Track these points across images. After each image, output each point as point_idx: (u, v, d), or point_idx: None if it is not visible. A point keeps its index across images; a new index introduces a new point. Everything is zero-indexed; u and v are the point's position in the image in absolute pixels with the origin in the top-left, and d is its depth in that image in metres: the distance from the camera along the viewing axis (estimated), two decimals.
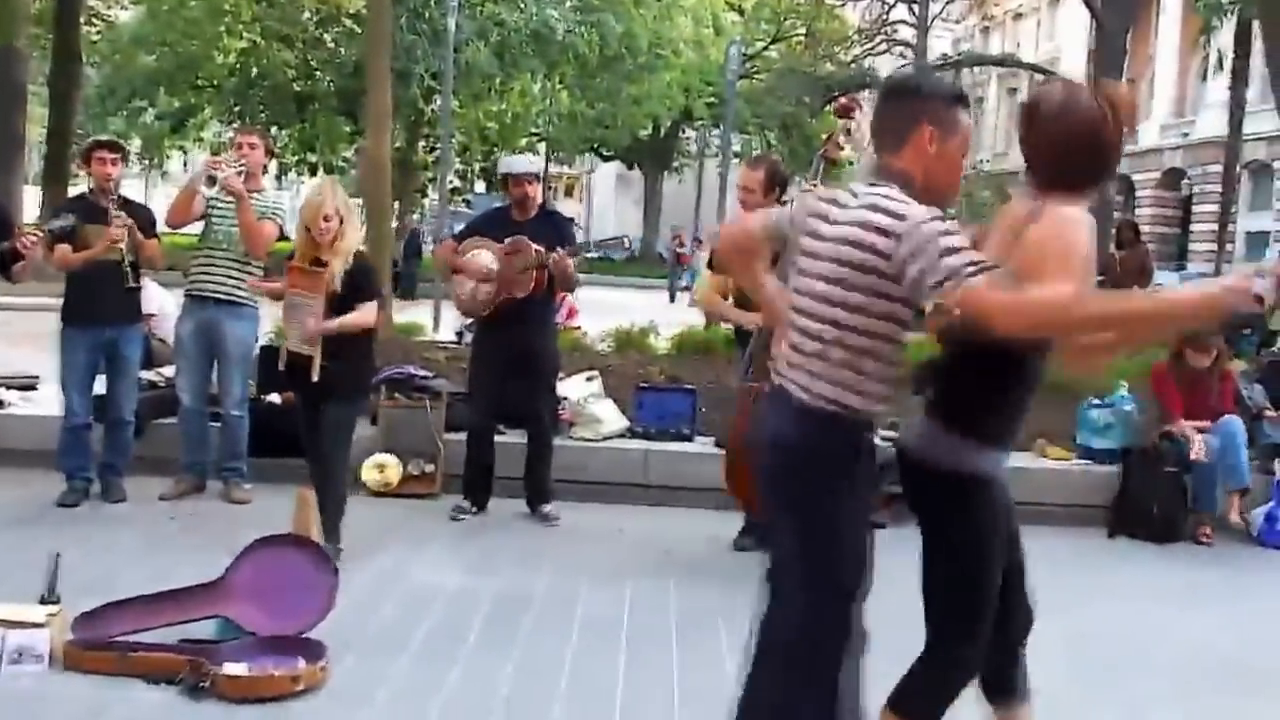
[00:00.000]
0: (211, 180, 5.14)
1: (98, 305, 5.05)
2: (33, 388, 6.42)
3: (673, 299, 22.88)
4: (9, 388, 6.28)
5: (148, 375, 6.00)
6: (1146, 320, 2.16)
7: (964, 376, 2.44)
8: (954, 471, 2.39)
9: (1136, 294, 2.14)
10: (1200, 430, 5.77)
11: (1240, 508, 5.74)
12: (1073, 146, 2.32)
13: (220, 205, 5.23)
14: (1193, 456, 5.68)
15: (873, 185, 2.32)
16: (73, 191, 17.77)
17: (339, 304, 4.42)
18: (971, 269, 2.07)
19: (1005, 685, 2.59)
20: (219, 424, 5.46)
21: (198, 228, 5.41)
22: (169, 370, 5.99)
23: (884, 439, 3.26)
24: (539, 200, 5.42)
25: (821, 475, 2.34)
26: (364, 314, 4.47)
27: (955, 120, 2.33)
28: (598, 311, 8.47)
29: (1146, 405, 6.35)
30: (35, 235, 4.72)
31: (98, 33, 23.23)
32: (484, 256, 5.23)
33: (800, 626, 2.38)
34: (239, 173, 5.18)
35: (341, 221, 4.40)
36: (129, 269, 5.09)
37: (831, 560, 2.35)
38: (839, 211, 2.33)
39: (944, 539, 2.45)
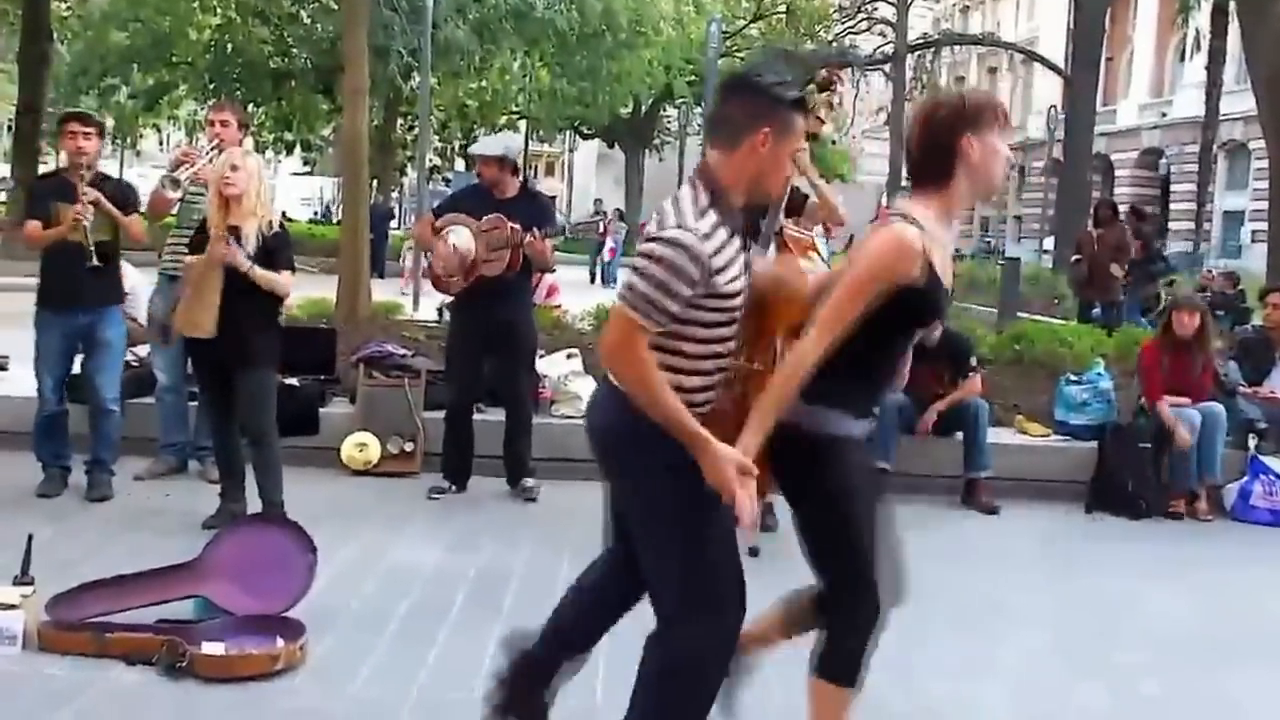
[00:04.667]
0: (175, 184, 5.09)
1: (70, 288, 4.85)
2: (2, 368, 6.35)
3: (593, 279, 22.03)
4: None
5: None
6: (667, 419, 2.26)
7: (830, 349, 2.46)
8: (809, 434, 2.42)
9: (675, 403, 2.28)
10: (1181, 405, 5.81)
11: (1209, 498, 5.78)
12: (919, 142, 2.45)
13: (195, 186, 5.16)
14: (1177, 444, 5.71)
15: (692, 180, 2.39)
16: (44, 169, 17.59)
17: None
18: (627, 295, 2.24)
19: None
20: (194, 403, 5.41)
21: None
22: (143, 350, 5.93)
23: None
24: (515, 181, 5.37)
25: (635, 454, 2.38)
26: (282, 277, 4.49)
27: (792, 125, 2.39)
28: None
29: (1124, 382, 6.40)
30: None
31: (68, 8, 22.86)
32: (460, 235, 5.19)
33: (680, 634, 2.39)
34: (210, 155, 5.11)
35: (249, 179, 4.41)
36: (91, 247, 4.79)
37: (683, 550, 2.37)
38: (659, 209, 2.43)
39: (808, 501, 2.50)
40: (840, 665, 2.51)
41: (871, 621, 2.49)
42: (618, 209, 29.28)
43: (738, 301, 2.35)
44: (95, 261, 4.81)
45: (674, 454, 2.30)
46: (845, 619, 2.51)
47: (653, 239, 2.25)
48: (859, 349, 2.38)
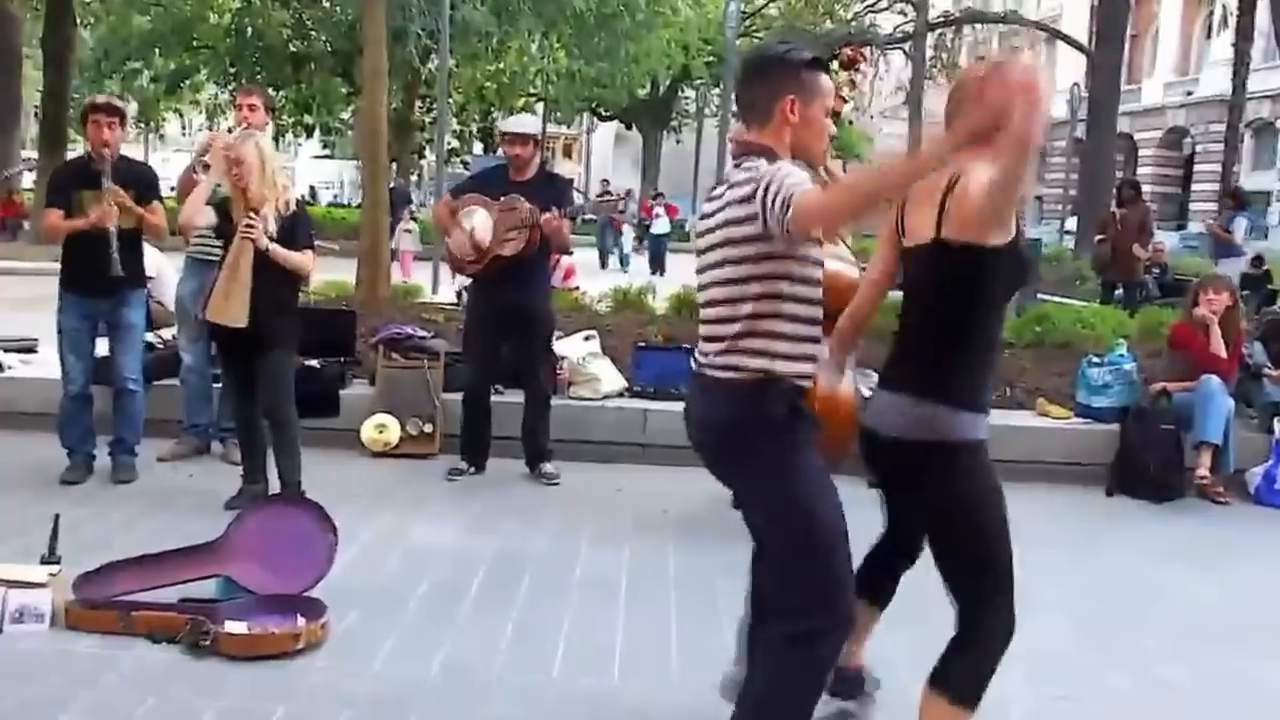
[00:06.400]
0: (206, 168, 5.12)
1: (93, 274, 4.86)
2: (32, 350, 6.42)
3: (604, 264, 21.48)
4: (8, 350, 6.28)
5: (148, 337, 5.99)
6: (896, 176, 2.14)
7: (927, 341, 2.45)
8: (940, 442, 2.39)
9: (878, 171, 2.20)
10: (1185, 389, 5.79)
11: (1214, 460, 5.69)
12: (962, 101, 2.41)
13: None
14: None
15: (739, 163, 2.39)
16: (71, 155, 17.67)
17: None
18: (802, 188, 2.17)
19: (879, 593, 2.76)
20: (218, 385, 5.45)
21: None
22: (168, 332, 5.99)
23: None
24: (534, 162, 5.38)
25: (760, 444, 2.34)
26: (303, 256, 4.56)
27: (815, 85, 2.39)
28: None
29: (1147, 364, 6.36)
30: None
31: None
32: (478, 216, 5.21)
33: (804, 625, 2.35)
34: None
35: (252, 169, 4.44)
36: (115, 254, 4.78)
37: (806, 525, 2.34)
38: (717, 199, 2.41)
39: (945, 515, 2.45)
40: (965, 685, 2.43)
41: (1004, 641, 2.44)
42: (628, 190, 28.95)
43: (818, 268, 2.37)
44: (119, 271, 4.83)
45: (780, 443, 2.31)
46: (977, 637, 2.44)
47: (757, 179, 2.25)
48: (963, 333, 2.37)
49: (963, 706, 2.43)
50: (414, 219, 17.57)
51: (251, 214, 4.43)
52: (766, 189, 2.22)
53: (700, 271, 2.46)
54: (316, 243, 4.78)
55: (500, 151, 5.43)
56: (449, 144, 24.50)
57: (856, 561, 2.50)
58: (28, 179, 20.25)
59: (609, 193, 23.75)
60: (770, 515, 2.43)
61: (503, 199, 5.18)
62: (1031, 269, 2.55)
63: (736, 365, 2.34)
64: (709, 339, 2.42)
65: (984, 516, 2.43)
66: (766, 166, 2.28)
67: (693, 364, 2.50)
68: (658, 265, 20.77)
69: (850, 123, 31.90)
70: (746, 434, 2.35)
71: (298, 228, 4.57)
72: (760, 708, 2.38)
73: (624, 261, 22.05)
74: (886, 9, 30.30)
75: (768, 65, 2.41)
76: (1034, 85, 1.93)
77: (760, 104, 2.39)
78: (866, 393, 4.70)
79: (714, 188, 2.50)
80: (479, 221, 5.20)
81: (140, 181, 5.00)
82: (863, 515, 2.64)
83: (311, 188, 43.67)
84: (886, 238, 2.65)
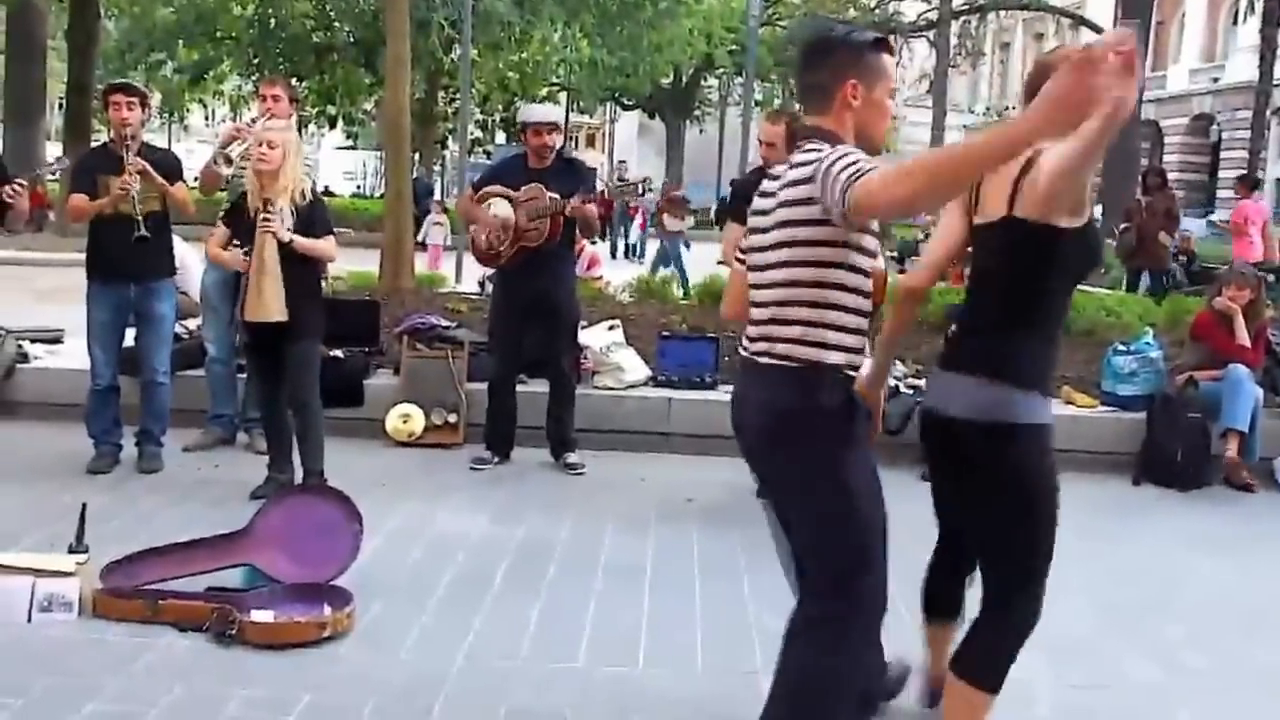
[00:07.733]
0: (228, 160, 5.16)
1: (118, 260, 4.91)
2: (58, 340, 6.48)
3: (614, 254, 21.41)
4: (34, 341, 6.34)
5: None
6: (981, 150, 1.92)
7: (997, 321, 2.42)
8: (1009, 424, 2.36)
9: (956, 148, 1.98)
10: (1212, 378, 5.75)
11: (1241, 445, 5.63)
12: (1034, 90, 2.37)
13: (246, 161, 5.20)
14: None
15: (800, 145, 2.34)
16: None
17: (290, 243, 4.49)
18: (867, 167, 2.08)
19: (951, 606, 2.71)
20: (243, 375, 5.48)
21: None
22: (192, 323, 6.02)
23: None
24: (557, 149, 5.37)
25: (814, 434, 2.28)
26: (326, 243, 4.59)
27: (878, 67, 2.33)
28: None
29: (1174, 352, 6.30)
30: (20, 184, 4.63)
31: None
32: (500, 206, 5.22)
33: (830, 607, 2.32)
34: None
35: (284, 156, 4.46)
36: (140, 217, 4.84)
37: (850, 522, 2.30)
38: (775, 183, 2.36)
39: (998, 497, 2.42)
40: (988, 668, 2.45)
41: (1030, 626, 2.44)
42: (646, 177, 28.71)
43: (872, 259, 2.32)
44: (144, 232, 4.86)
45: (835, 433, 2.27)
46: (1005, 620, 2.44)
47: (819, 159, 2.18)
48: (1033, 314, 2.36)
49: (985, 690, 2.44)
50: (445, 211, 17.48)
51: (268, 206, 4.44)
52: (828, 169, 2.14)
53: (755, 252, 2.39)
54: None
55: (523, 141, 5.41)
56: (472, 134, 24.41)
57: (899, 565, 2.46)
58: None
59: (624, 179, 23.61)
60: (811, 503, 2.35)
61: (523, 189, 5.18)
62: (1100, 256, 2.52)
63: (790, 353, 2.28)
64: (763, 322, 2.35)
65: (1042, 503, 2.42)
66: (829, 149, 2.20)
67: (741, 350, 2.44)
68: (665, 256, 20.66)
69: None
70: (803, 421, 2.28)
71: (315, 217, 4.58)
72: (787, 696, 2.34)
73: (638, 251, 21.94)
74: None
75: (830, 48, 2.33)
76: (1131, 58, 1.77)
77: (822, 88, 2.32)
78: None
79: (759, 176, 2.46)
80: (502, 213, 5.21)
81: (163, 166, 5.00)
82: (910, 508, 2.64)
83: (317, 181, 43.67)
84: (957, 209, 2.60)
